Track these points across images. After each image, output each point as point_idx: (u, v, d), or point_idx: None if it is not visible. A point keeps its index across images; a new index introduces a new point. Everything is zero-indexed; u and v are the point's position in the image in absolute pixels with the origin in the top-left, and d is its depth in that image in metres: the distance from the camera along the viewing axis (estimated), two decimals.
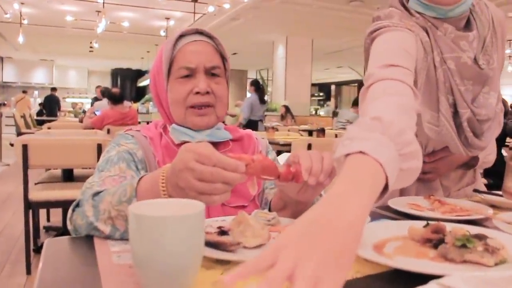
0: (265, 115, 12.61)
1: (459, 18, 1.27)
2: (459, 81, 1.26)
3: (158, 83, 1.34)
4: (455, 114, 1.28)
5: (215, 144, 1.33)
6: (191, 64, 1.28)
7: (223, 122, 1.42)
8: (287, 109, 11.53)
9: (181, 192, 0.87)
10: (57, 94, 15.97)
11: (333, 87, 25.15)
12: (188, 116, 1.29)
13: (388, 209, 1.34)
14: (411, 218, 1.21)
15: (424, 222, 1.02)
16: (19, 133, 10.14)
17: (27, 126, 11.39)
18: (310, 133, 9.06)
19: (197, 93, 1.27)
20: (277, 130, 7.56)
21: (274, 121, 11.33)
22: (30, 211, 3.47)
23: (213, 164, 0.83)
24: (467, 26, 1.29)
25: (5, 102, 17.88)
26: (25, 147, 3.33)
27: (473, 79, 1.28)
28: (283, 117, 11.43)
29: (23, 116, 11.57)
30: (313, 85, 14.76)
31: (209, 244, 0.92)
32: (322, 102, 21.42)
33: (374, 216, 1.25)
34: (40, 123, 11.70)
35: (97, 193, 1.06)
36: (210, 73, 1.30)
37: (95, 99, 11.40)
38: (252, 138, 1.45)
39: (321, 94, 25.67)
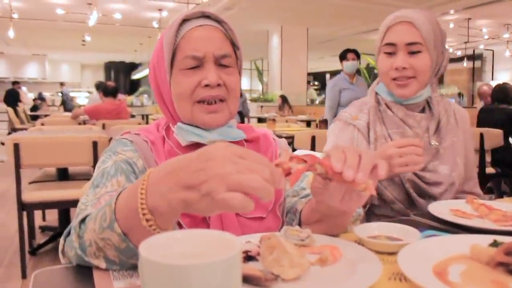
0: (262, 106, 12.45)
1: (414, 105, 1.55)
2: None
3: (159, 76, 1.15)
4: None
5: None
6: (198, 53, 1.09)
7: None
8: (284, 99, 11.33)
9: (177, 196, 0.67)
10: (49, 88, 15.74)
11: (328, 76, 24.95)
12: (196, 113, 1.11)
13: (430, 217, 1.19)
14: (460, 228, 1.11)
15: (486, 238, 0.90)
16: (12, 129, 9.95)
17: (21, 122, 11.19)
18: (308, 123, 8.92)
19: (206, 86, 1.09)
20: (275, 121, 7.38)
21: (271, 112, 11.17)
22: (24, 213, 3.32)
23: (259, 162, 0.67)
24: (423, 111, 1.57)
25: None
26: (16, 146, 3.15)
27: None
28: (280, 108, 11.23)
29: (17, 112, 11.35)
30: (308, 74, 14.52)
31: None
32: (318, 92, 21.18)
33: (419, 227, 1.09)
34: (34, 118, 11.47)
35: (85, 218, 0.89)
36: (220, 63, 1.12)
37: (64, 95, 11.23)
38: (269, 138, 1.27)
39: (316, 83, 25.48)
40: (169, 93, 1.13)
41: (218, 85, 1.10)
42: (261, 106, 12.46)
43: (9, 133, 10.19)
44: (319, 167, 0.83)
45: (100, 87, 7.16)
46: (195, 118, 1.11)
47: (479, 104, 7.28)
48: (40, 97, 15.89)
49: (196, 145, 1.12)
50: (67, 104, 14.99)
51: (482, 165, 4.04)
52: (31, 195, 3.26)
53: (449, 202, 1.34)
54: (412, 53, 1.47)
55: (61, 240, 0.91)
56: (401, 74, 1.48)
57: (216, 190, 0.63)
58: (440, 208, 1.22)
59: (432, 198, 1.47)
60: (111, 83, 6.18)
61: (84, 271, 0.85)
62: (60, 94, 16.64)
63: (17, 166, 3.17)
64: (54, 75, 21.90)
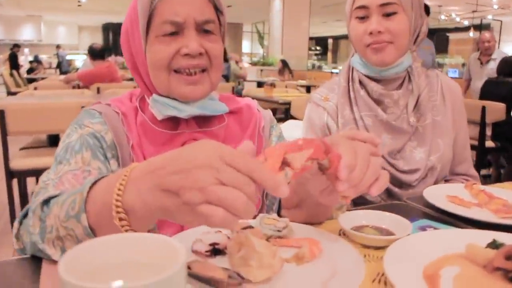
0: (262, 70, 12.25)
1: (392, 78, 1.39)
2: (375, 135, 1.23)
3: (132, 42, 1.03)
4: None
5: (208, 119, 1.07)
6: (178, 18, 0.97)
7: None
8: (284, 63, 11.11)
9: (155, 199, 0.60)
10: (46, 50, 15.50)
11: (330, 41, 24.59)
12: (174, 84, 1.00)
13: (425, 203, 1.09)
14: (457, 219, 1.00)
15: (484, 234, 0.81)
16: (9, 93, 9.82)
17: (17, 85, 11.04)
18: (308, 88, 8.78)
19: (186, 54, 0.97)
20: (274, 86, 7.23)
21: (271, 76, 10.99)
22: (16, 181, 3.27)
23: (247, 171, 0.57)
24: (402, 85, 1.41)
25: None
26: (1, 113, 3.04)
27: (393, 133, 1.38)
28: (280, 72, 11.03)
29: (12, 75, 11.18)
30: (310, 39, 14.23)
31: (198, 278, 0.66)
32: (319, 57, 20.85)
33: (411, 215, 0.99)
34: (31, 81, 11.29)
35: (48, 200, 0.79)
36: (203, 29, 1.00)
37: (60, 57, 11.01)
38: (253, 109, 1.16)
39: (318, 48, 25.13)
40: (144, 62, 1.02)
41: (200, 54, 0.98)
42: (261, 70, 12.25)
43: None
44: (326, 162, 0.72)
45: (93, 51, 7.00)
46: (173, 90, 1.00)
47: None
48: (37, 60, 15.61)
49: (173, 120, 1.03)
50: (63, 66, 14.77)
51: (482, 138, 3.95)
52: (19, 162, 3.18)
53: (446, 187, 1.24)
54: (387, 15, 1.31)
55: (16, 223, 0.82)
56: (376, 39, 1.32)
57: (194, 200, 0.55)
58: (436, 194, 1.12)
59: (410, 186, 1.36)
60: (97, 45, 5.96)
61: (34, 262, 0.76)
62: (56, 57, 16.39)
63: (3, 133, 3.07)
64: (51, 37, 21.47)
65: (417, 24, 1.36)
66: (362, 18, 1.35)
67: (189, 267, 0.68)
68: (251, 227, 0.83)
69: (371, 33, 1.32)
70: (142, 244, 0.50)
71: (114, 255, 0.49)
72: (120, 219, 0.63)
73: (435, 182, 1.37)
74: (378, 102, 1.40)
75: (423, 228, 0.94)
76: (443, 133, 1.42)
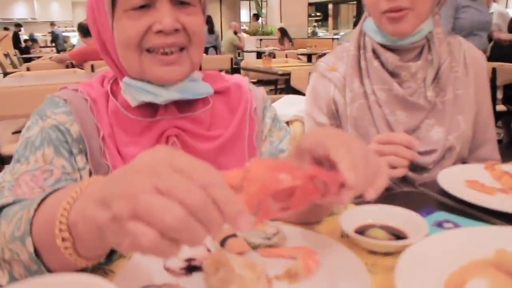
0: (261, 40, 11.99)
1: (410, 47, 1.23)
2: (389, 112, 1.23)
3: (98, 18, 0.88)
4: None
5: (190, 103, 0.92)
6: None
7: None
8: (283, 32, 10.85)
9: (93, 212, 0.47)
10: (40, 28, 15.27)
11: (330, 6, 24.09)
12: (147, 65, 0.85)
13: (440, 190, 0.95)
14: (480, 210, 0.86)
15: None
16: (4, 74, 9.69)
17: (14, 66, 10.88)
18: (309, 57, 8.58)
19: (160, 31, 0.82)
20: (274, 56, 7.04)
21: (270, 45, 10.75)
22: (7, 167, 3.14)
23: (202, 183, 0.44)
24: (421, 55, 1.25)
25: None
26: None
27: (409, 110, 1.23)
28: (280, 41, 10.78)
29: (7, 55, 11.02)
30: (309, 4, 13.87)
31: None
32: (320, 23, 20.35)
33: (426, 206, 0.85)
34: (27, 61, 11.11)
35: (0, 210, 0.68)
36: (178, 0, 0.84)
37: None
38: (243, 88, 1.01)
39: (318, 14, 24.65)
40: (112, 41, 0.87)
41: (176, 30, 0.83)
42: (260, 40, 11.97)
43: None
44: (321, 183, 0.58)
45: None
46: (145, 72, 0.86)
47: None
48: (32, 38, 15.36)
49: (150, 105, 0.89)
50: (59, 44, 14.51)
51: (492, 102, 3.76)
52: (11, 147, 3.07)
53: (463, 169, 1.08)
54: None
55: None
56: (394, 5, 1.13)
57: (121, 212, 0.43)
58: (452, 178, 0.97)
59: (425, 170, 1.20)
60: (86, 22, 5.80)
61: None
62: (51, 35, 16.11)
63: None
64: (45, 14, 20.97)
65: None
66: None
67: None
68: (234, 235, 0.70)
69: None
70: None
71: None
72: (63, 240, 0.52)
73: (453, 165, 1.21)
74: (393, 74, 1.23)
75: (440, 224, 0.80)
76: (464, 109, 1.25)
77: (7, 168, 0.84)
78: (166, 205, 0.41)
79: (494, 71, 3.68)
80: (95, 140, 0.88)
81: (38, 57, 9.64)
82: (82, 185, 0.54)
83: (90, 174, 0.87)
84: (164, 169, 0.44)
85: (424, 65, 1.23)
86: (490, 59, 4.32)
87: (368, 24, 1.26)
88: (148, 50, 0.84)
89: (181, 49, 0.86)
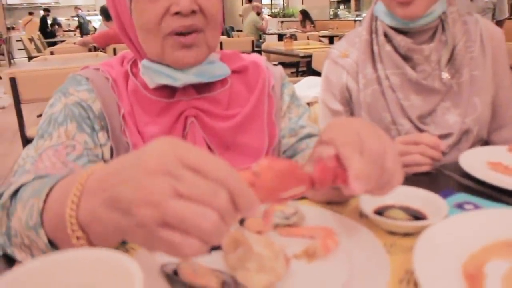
0: (282, 22, 11.87)
1: (423, 29, 1.19)
2: (403, 96, 1.21)
3: (117, 1, 0.89)
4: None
5: (207, 83, 0.93)
6: None
7: None
8: (304, 14, 10.72)
9: (109, 217, 0.46)
10: (63, 13, 15.36)
11: None
12: (168, 49, 0.85)
13: (461, 172, 0.93)
14: (501, 192, 0.84)
15: None
16: (30, 57, 9.83)
17: (38, 50, 11.01)
18: (331, 39, 8.47)
19: (177, 13, 0.82)
20: (295, 39, 6.98)
21: (292, 27, 10.65)
22: None
23: (215, 178, 0.43)
24: (434, 36, 1.21)
25: (14, 26, 17.26)
26: (13, 81, 2.96)
27: (423, 94, 1.21)
28: (301, 23, 10.66)
29: (32, 39, 11.14)
30: None
31: (186, 286, 0.54)
32: (342, 5, 19.98)
33: (446, 188, 0.84)
34: (51, 45, 11.23)
35: (18, 190, 0.67)
36: None
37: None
38: (261, 67, 1.01)
39: None
40: (131, 23, 0.88)
41: (193, 11, 0.83)
42: (281, 22, 11.87)
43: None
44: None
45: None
46: (165, 55, 0.86)
47: None
48: (56, 23, 15.50)
49: (167, 89, 0.90)
50: (84, 28, 14.60)
51: None
52: (35, 129, 3.12)
53: (486, 151, 1.06)
54: None
55: None
56: None
57: (148, 221, 0.41)
58: (474, 160, 0.96)
59: (442, 153, 1.16)
60: None
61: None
62: (76, 18, 16.19)
63: (17, 101, 3.00)
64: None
65: None
66: None
67: (176, 273, 0.56)
68: None
69: None
70: (89, 267, 0.38)
71: (55, 281, 0.38)
72: (78, 238, 0.51)
73: (471, 147, 1.19)
74: (406, 58, 1.21)
75: (461, 206, 0.79)
76: (481, 90, 1.21)
77: (29, 145, 0.86)
78: (199, 212, 0.41)
79: None
80: (115, 118, 0.89)
81: (62, 41, 9.74)
82: (81, 178, 0.52)
83: (111, 150, 0.89)
84: (177, 168, 0.43)
85: (438, 46, 1.20)
86: None
87: (379, 7, 1.24)
88: (168, 34, 0.85)
89: (198, 31, 0.86)
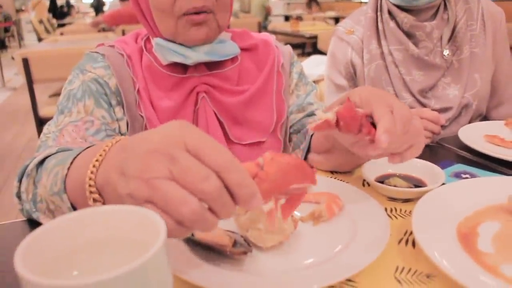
0: (288, 4, 11.78)
1: (426, 7, 1.24)
2: (405, 71, 1.27)
3: None
4: None
5: (218, 63, 0.97)
6: None
7: None
8: None
9: (115, 183, 0.48)
10: None
11: None
12: (181, 29, 0.89)
13: (460, 145, 0.98)
14: (497, 162, 0.90)
15: None
16: (39, 39, 9.84)
17: (47, 31, 11.01)
18: (336, 20, 8.43)
19: None
20: (301, 20, 6.95)
21: (298, 9, 10.57)
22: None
23: (215, 166, 0.43)
24: (436, 13, 1.26)
25: (23, 8, 17.25)
26: (25, 62, 3.00)
27: (425, 69, 1.26)
28: (308, 5, 10.58)
29: (41, 21, 11.14)
30: None
31: (200, 245, 0.60)
32: None
33: (445, 159, 0.89)
34: (61, 26, 11.23)
35: (43, 161, 0.73)
36: None
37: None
38: (270, 45, 1.05)
39: None
40: (148, 4, 0.92)
41: None
42: (288, 4, 11.78)
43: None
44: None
45: None
46: (178, 35, 0.91)
47: None
48: (68, 4, 15.47)
49: (179, 66, 0.95)
50: (99, 9, 14.48)
51: None
52: (48, 109, 3.18)
53: (484, 125, 1.11)
54: None
55: (15, 182, 0.75)
56: None
57: (138, 194, 0.44)
58: (472, 133, 1.01)
59: (441, 126, 1.19)
60: None
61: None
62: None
63: (29, 81, 3.05)
64: None
65: None
66: None
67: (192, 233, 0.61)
68: None
69: None
70: (117, 218, 0.43)
71: (86, 233, 0.42)
72: (94, 200, 0.55)
73: (470, 121, 1.24)
74: (409, 35, 1.25)
75: (458, 175, 0.84)
76: (481, 67, 1.26)
77: (50, 121, 0.90)
78: (182, 197, 0.42)
79: None
80: (131, 93, 0.93)
81: (70, 23, 9.75)
82: (105, 146, 0.55)
83: (127, 124, 0.93)
84: (177, 150, 0.43)
85: (440, 24, 1.24)
86: None
87: None
88: (183, 15, 0.88)
89: (209, 12, 0.89)
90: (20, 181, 0.75)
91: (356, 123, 0.62)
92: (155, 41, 0.94)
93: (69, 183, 0.61)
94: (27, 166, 0.74)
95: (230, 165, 0.43)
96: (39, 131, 3.17)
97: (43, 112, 3.13)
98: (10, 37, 13.79)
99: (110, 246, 0.43)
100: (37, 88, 3.07)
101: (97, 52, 0.97)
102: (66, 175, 0.62)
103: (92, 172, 0.53)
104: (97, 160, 0.54)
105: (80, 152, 0.63)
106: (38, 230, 0.39)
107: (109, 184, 0.50)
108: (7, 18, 12.72)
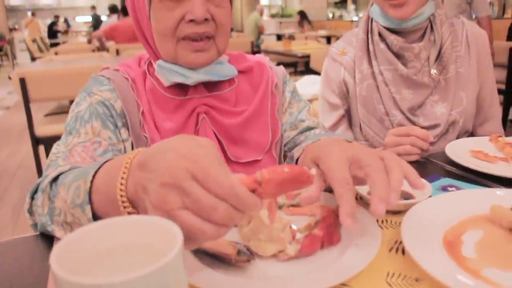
0: (281, 22, 11.97)
1: (413, 29, 1.31)
2: (395, 90, 1.32)
3: (137, 6, 0.98)
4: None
5: (217, 83, 1.02)
6: None
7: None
8: (302, 15, 10.81)
9: (142, 198, 0.55)
10: (65, 14, 15.40)
11: None
12: (181, 52, 0.95)
13: (447, 160, 1.04)
14: (481, 176, 0.95)
15: (510, 193, 0.76)
16: (32, 58, 9.89)
17: (40, 50, 11.06)
18: (328, 39, 8.57)
19: (191, 21, 0.91)
20: (293, 39, 7.07)
21: (290, 28, 10.74)
22: (43, 148, 3.27)
23: (223, 194, 0.50)
24: (424, 36, 1.33)
25: (16, 27, 17.35)
26: (23, 81, 3.05)
27: (414, 88, 1.32)
28: (299, 24, 10.76)
29: (35, 40, 11.20)
30: None
31: (206, 253, 0.64)
32: (339, 5, 20.05)
33: (432, 174, 0.94)
34: (54, 45, 11.32)
35: (57, 177, 0.77)
36: None
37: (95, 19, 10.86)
38: (265, 66, 1.11)
39: None
40: (149, 27, 0.97)
41: (206, 20, 0.92)
42: (280, 22, 11.98)
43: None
44: None
45: (114, 9, 7.01)
46: (178, 57, 0.96)
47: None
48: (66, 22, 15.61)
49: (180, 86, 1.00)
50: (97, 28, 14.61)
51: (510, 82, 3.80)
52: (44, 129, 3.20)
53: (470, 141, 1.17)
54: None
55: (27, 198, 0.80)
56: None
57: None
58: (459, 149, 1.07)
59: (430, 143, 1.23)
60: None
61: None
62: (90, 19, 16.18)
63: (26, 100, 3.09)
64: (68, 0, 21.34)
65: None
66: None
67: None
68: None
69: None
70: (138, 227, 0.47)
71: (110, 240, 0.47)
72: (129, 213, 0.59)
73: (457, 138, 1.30)
74: (398, 55, 1.32)
75: (445, 188, 0.89)
76: (466, 86, 1.32)
77: (58, 142, 0.94)
78: (199, 227, 0.49)
79: (511, 51, 3.68)
80: (135, 115, 0.98)
81: (63, 42, 9.82)
82: (126, 163, 0.59)
83: (132, 145, 0.98)
84: (188, 183, 0.49)
85: (427, 45, 1.31)
86: (508, 39, 4.30)
87: (374, 9, 1.35)
88: (182, 39, 0.94)
89: (209, 37, 0.95)
90: (32, 197, 0.80)
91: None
92: (157, 63, 0.99)
93: (96, 197, 0.66)
94: (39, 183, 0.79)
95: (231, 192, 0.50)
96: (35, 150, 3.20)
97: (39, 131, 3.16)
98: (3, 56, 13.84)
99: (129, 252, 0.48)
100: (31, 107, 3.11)
101: (103, 76, 1.01)
102: (90, 188, 0.66)
103: (121, 190, 0.58)
104: (122, 178, 0.58)
105: (100, 167, 0.68)
106: (69, 236, 0.44)
107: (139, 199, 0.56)
108: (0, 37, 12.80)
